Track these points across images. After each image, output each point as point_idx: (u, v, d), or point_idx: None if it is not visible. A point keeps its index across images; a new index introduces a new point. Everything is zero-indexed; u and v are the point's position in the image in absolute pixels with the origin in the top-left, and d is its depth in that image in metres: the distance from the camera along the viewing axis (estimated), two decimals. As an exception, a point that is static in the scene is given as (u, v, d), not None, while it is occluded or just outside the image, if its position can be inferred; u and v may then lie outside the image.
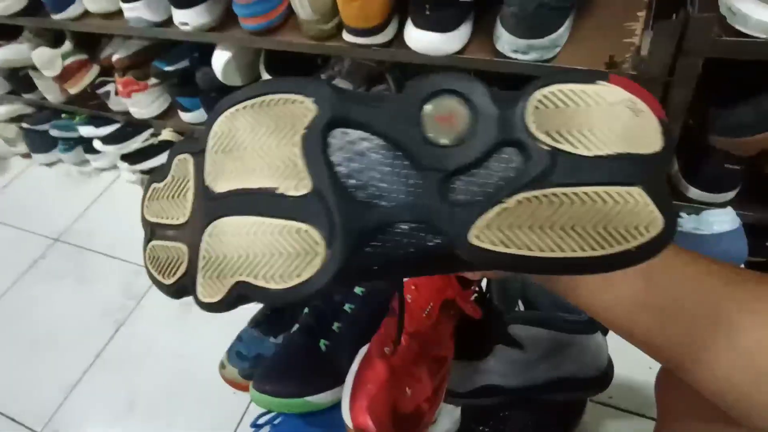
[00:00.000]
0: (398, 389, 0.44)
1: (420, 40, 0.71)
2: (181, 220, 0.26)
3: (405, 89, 0.23)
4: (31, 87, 1.37)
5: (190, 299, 0.25)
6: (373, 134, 0.23)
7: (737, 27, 0.56)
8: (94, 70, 1.27)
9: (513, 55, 0.66)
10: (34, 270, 1.28)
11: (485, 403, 0.55)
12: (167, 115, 1.24)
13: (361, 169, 0.22)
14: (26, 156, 1.59)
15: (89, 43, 1.24)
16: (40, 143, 1.50)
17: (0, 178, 1.57)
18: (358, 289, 0.57)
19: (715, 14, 0.57)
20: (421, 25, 0.70)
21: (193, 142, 0.27)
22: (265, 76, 0.96)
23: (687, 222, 0.72)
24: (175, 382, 0.98)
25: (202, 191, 0.25)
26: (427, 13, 0.68)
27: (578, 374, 0.54)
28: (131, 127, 1.30)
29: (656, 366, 0.36)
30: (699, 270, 0.28)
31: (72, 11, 1.05)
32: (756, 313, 0.26)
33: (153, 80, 1.17)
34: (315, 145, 0.23)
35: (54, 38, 1.22)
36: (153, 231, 0.28)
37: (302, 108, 0.23)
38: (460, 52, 0.72)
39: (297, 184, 0.23)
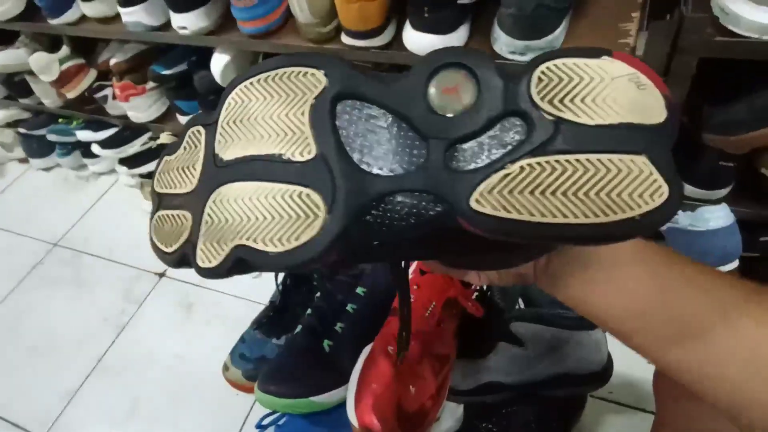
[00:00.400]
0: (402, 388, 0.44)
1: (418, 42, 0.71)
2: (188, 189, 0.27)
3: (413, 67, 0.23)
4: (28, 92, 1.36)
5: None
6: (381, 106, 0.23)
7: (730, 27, 0.57)
8: (92, 74, 1.26)
9: (511, 57, 0.67)
10: (32, 276, 1.27)
11: (488, 400, 0.55)
12: (165, 118, 1.24)
13: (366, 138, 0.23)
14: (23, 161, 1.58)
15: (86, 47, 1.24)
16: (38, 148, 1.49)
17: (-3, 184, 1.57)
18: (360, 289, 0.57)
19: (708, 15, 0.58)
20: (419, 27, 0.70)
21: (208, 115, 0.27)
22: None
23: (683, 218, 0.73)
24: (177, 386, 0.98)
25: (211, 160, 0.26)
26: (426, 15, 0.68)
27: (578, 370, 0.55)
28: (129, 131, 1.30)
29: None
30: (714, 284, 0.27)
31: (69, 16, 1.04)
32: None
33: (151, 84, 1.17)
34: (323, 114, 0.23)
35: (51, 43, 1.22)
36: (160, 201, 0.28)
37: (313, 80, 0.24)
38: (458, 53, 0.73)
39: (302, 150, 0.23)
